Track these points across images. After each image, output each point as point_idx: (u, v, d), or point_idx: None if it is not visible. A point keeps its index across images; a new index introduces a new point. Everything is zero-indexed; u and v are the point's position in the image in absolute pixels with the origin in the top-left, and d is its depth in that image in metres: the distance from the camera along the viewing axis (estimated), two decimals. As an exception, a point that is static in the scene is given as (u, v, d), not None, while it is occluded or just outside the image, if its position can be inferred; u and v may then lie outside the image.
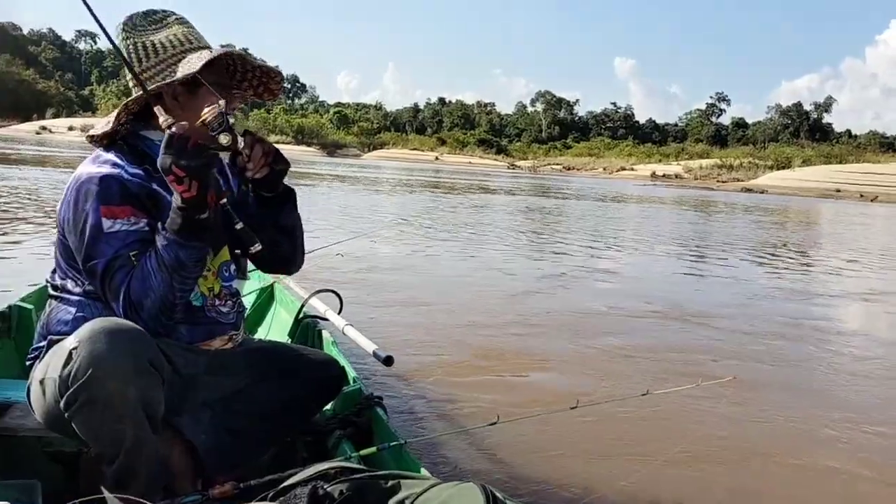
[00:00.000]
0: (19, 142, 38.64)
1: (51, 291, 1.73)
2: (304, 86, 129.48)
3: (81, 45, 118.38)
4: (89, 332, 1.44)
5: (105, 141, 1.70)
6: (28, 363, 1.72)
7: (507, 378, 3.77)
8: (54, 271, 1.73)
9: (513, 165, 77.28)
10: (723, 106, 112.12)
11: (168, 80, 1.64)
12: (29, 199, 10.42)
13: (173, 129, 1.48)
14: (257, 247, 1.63)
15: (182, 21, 1.75)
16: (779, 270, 9.17)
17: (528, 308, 5.58)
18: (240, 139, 1.54)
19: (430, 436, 2.63)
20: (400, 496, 1.41)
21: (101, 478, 1.54)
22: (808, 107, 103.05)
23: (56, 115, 69.88)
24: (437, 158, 76.09)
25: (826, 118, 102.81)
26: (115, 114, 1.68)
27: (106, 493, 1.53)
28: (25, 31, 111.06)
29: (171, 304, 1.57)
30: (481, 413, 3.03)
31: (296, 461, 1.84)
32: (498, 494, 1.29)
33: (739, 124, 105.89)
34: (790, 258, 10.71)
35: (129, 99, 1.65)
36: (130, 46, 1.69)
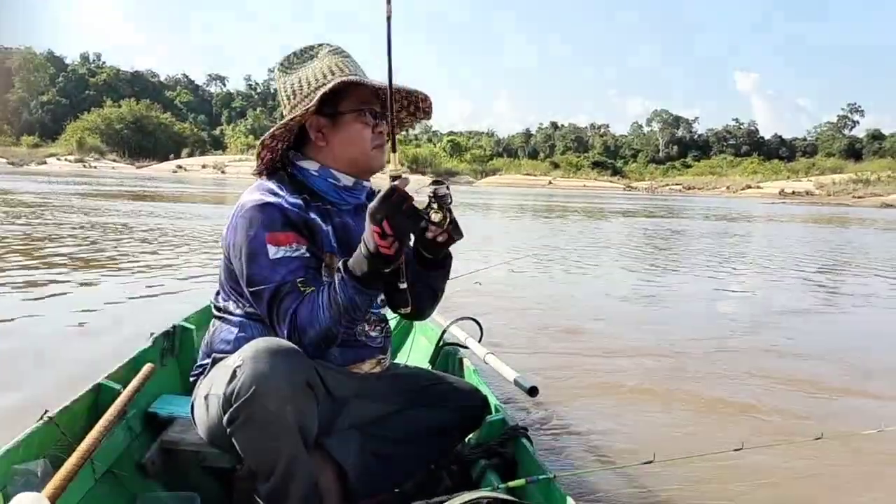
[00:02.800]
0: (160, 180, 41.61)
1: (215, 312, 1.82)
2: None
3: (212, 88, 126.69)
4: (252, 352, 1.50)
5: (265, 171, 1.76)
6: (192, 379, 1.80)
7: (662, 415, 3.51)
8: (218, 293, 1.81)
9: (629, 187, 75.57)
10: (856, 117, 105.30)
11: (300, 112, 1.67)
12: (182, 233, 11.13)
13: (397, 183, 1.50)
14: (407, 310, 1.71)
15: (336, 52, 1.77)
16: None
17: (680, 341, 5.13)
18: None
19: (579, 471, 2.52)
20: (553, 529, 1.36)
21: (254, 494, 1.59)
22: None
23: (190, 155, 74.93)
24: (550, 183, 75.48)
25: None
26: (256, 152, 1.75)
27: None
28: (162, 78, 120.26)
29: (333, 336, 1.60)
30: (634, 450, 2.86)
31: (440, 489, 1.83)
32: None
33: (875, 136, 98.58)
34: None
35: (267, 135, 1.70)
36: (284, 85, 1.75)
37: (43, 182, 29.40)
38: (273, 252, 1.60)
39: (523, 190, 59.84)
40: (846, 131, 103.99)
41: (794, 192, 59.49)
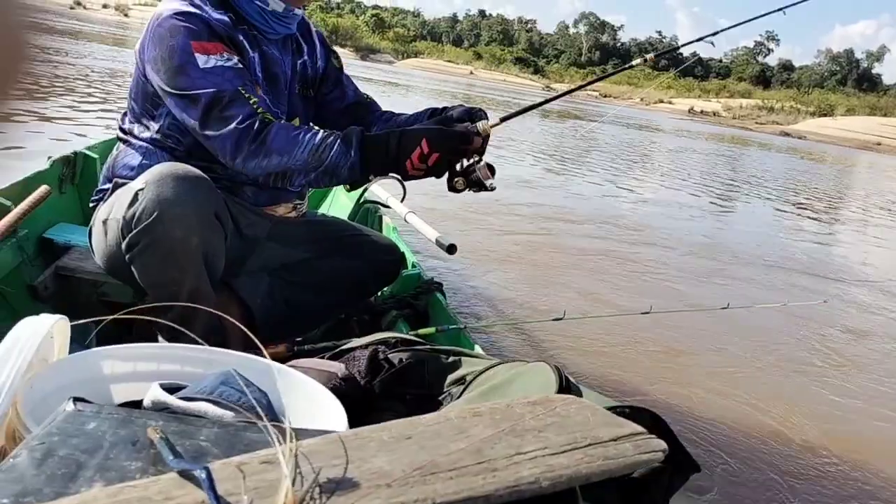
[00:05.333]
0: (54, 13, 38.00)
1: (119, 135, 1.68)
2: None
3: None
4: (157, 175, 1.39)
5: None
6: (91, 205, 1.69)
7: (577, 280, 3.75)
8: (125, 114, 1.67)
9: (548, 87, 75.36)
10: (771, 45, 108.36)
11: None
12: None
13: (480, 139, 1.47)
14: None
15: None
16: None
17: (594, 216, 5.66)
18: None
19: (491, 323, 2.59)
20: (461, 372, 1.37)
21: (154, 328, 1.53)
22: (859, 55, 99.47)
23: (91, -8, 68.73)
24: (471, 73, 74.40)
25: (876, 68, 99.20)
26: None
27: (162, 340, 1.53)
28: None
29: (287, 179, 1.49)
30: (546, 310, 2.99)
31: (349, 337, 1.83)
32: (570, 378, 1.24)
33: (786, 66, 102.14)
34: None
35: None
36: None
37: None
38: (203, 61, 1.45)
39: (444, 76, 58.71)
40: (760, 58, 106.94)
41: (702, 112, 61.24)
